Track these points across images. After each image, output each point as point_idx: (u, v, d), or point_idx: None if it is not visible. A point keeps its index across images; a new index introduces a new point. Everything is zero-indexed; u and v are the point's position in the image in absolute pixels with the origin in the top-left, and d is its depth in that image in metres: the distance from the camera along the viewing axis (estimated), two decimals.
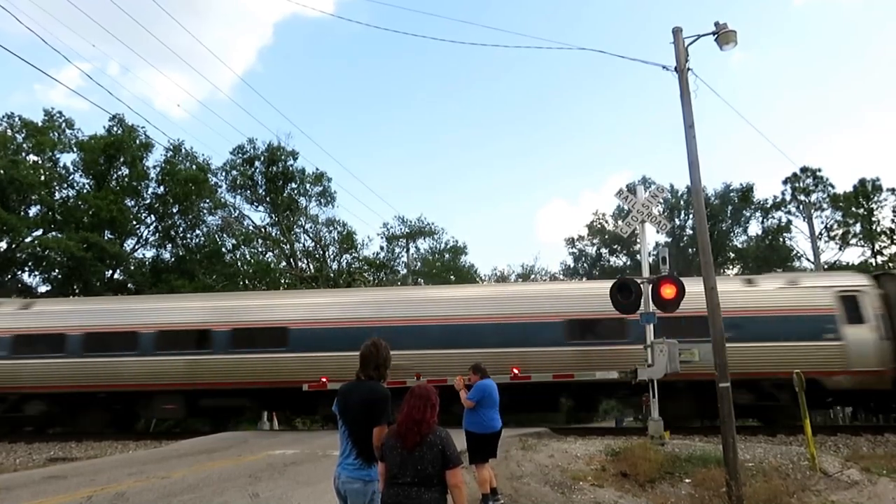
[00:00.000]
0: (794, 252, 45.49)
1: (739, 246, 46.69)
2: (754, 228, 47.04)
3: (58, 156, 34.04)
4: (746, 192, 45.44)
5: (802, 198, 43.18)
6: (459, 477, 3.62)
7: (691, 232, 42.06)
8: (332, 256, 35.89)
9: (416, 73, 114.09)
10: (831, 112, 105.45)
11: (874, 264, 43.03)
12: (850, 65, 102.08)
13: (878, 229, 42.80)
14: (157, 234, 36.33)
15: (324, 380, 15.21)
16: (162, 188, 34.82)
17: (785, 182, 44.79)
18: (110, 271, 33.34)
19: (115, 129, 33.78)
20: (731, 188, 45.94)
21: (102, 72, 66.07)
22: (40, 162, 32.99)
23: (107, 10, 29.78)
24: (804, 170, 44.18)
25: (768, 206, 45.48)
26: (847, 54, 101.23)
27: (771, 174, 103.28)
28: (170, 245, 36.05)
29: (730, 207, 45.82)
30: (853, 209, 43.03)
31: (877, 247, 42.91)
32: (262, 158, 34.82)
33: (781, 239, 45.27)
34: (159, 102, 70.08)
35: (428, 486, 3.58)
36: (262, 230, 35.30)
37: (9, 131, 32.52)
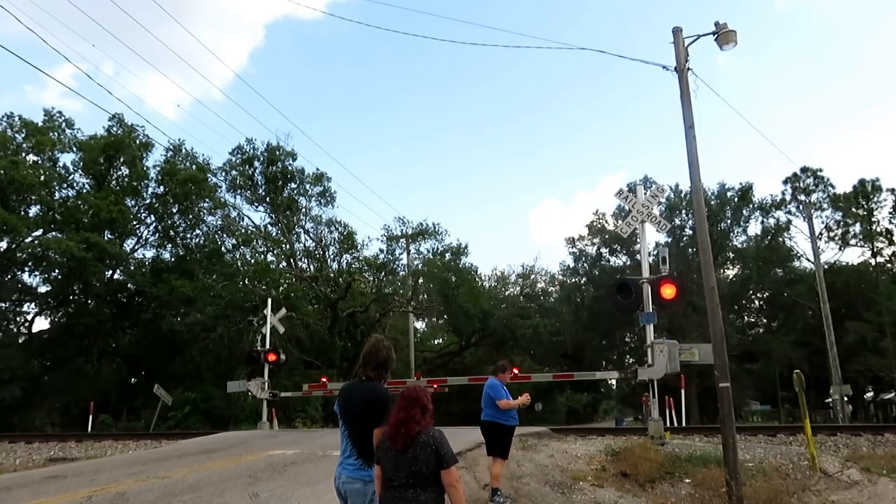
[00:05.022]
0: (794, 252, 45.53)
1: (739, 246, 46.68)
2: (754, 228, 47.09)
3: (57, 156, 34.05)
4: (745, 191, 45.41)
5: (802, 197, 43.17)
6: (455, 476, 3.57)
7: (691, 232, 42.04)
8: (332, 256, 35.83)
9: (414, 73, 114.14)
10: (831, 113, 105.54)
11: (873, 264, 43.10)
12: (849, 66, 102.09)
13: (878, 229, 42.81)
14: (157, 234, 36.33)
15: (324, 380, 15.20)
16: (162, 188, 34.80)
17: (785, 182, 44.82)
18: (110, 271, 33.32)
19: (114, 128, 33.77)
20: (727, 188, 45.93)
21: (93, 73, 66.18)
22: (40, 162, 32.95)
23: (97, 12, 29.78)
24: (804, 170, 44.19)
25: (768, 205, 45.49)
26: (847, 55, 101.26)
27: (771, 176, 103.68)
28: (170, 245, 36.04)
29: (728, 208, 45.80)
30: (853, 209, 43.02)
31: (876, 247, 42.92)
32: (262, 158, 34.74)
33: (781, 239, 45.27)
34: (152, 103, 70.22)
35: (424, 488, 3.55)
36: (262, 230, 35.24)
37: (8, 131, 32.49)
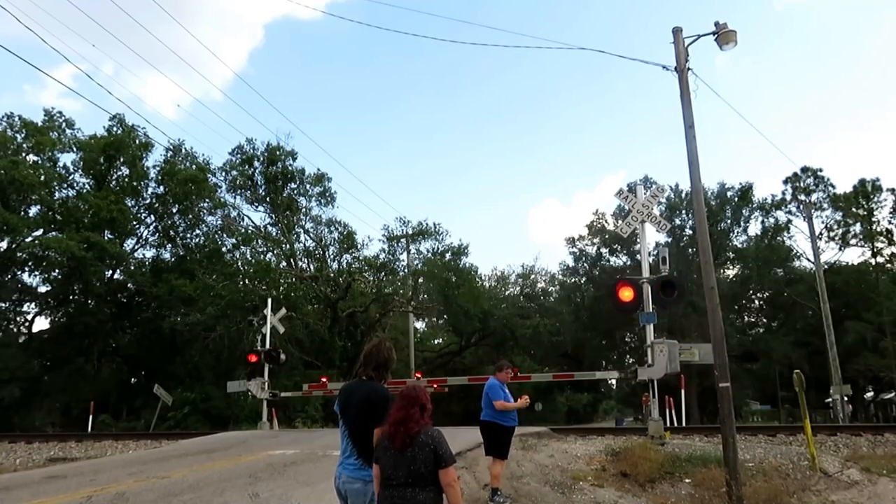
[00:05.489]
0: (794, 252, 45.51)
1: (739, 246, 46.66)
2: (754, 228, 47.06)
3: (57, 156, 34.06)
4: (745, 191, 45.39)
5: (803, 197, 43.15)
6: (452, 475, 3.57)
7: (691, 232, 42.01)
8: (332, 256, 35.78)
9: (414, 73, 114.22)
10: (831, 113, 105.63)
11: (873, 264, 43.08)
12: (849, 66, 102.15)
13: (878, 229, 42.78)
14: (157, 234, 36.35)
15: (324, 380, 15.21)
16: (162, 188, 34.80)
17: (785, 182, 44.78)
18: (110, 271, 33.31)
19: (114, 129, 33.76)
20: (727, 188, 45.92)
21: (93, 73, 66.31)
22: (40, 162, 32.95)
23: (97, 12, 29.77)
24: (805, 169, 44.16)
25: (768, 205, 45.46)
26: (847, 55, 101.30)
27: (771, 176, 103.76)
28: (170, 245, 36.03)
29: (728, 208, 45.78)
30: (853, 209, 43.00)
31: (876, 247, 42.89)
32: (262, 158, 34.71)
33: (781, 239, 45.24)
34: (152, 103, 70.28)
35: (422, 487, 3.55)
36: (262, 230, 35.21)
37: (8, 131, 32.48)
